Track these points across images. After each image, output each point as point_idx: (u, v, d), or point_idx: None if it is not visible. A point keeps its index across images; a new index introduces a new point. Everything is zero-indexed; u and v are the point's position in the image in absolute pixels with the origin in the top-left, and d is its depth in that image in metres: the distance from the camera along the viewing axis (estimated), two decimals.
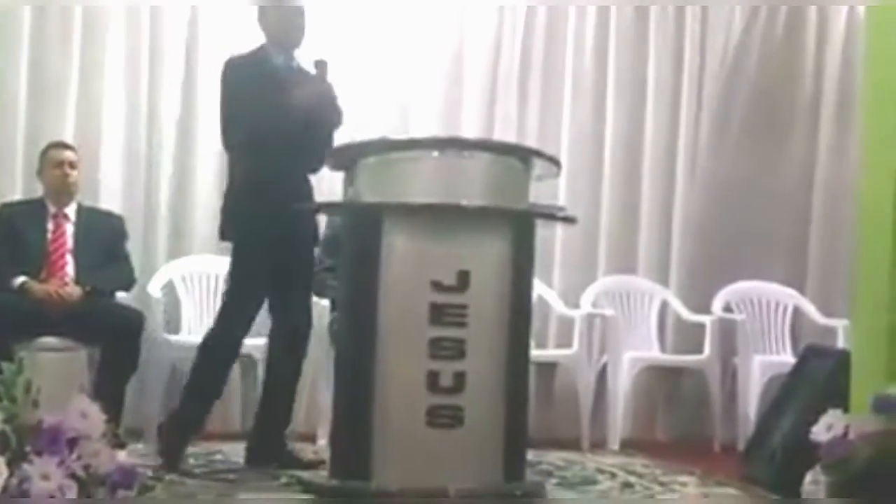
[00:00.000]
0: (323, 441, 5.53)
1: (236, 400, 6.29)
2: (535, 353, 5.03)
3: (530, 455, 4.52)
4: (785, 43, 6.91)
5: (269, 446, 5.00)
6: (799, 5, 6.91)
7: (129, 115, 6.30)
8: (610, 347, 6.35)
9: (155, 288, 6.03)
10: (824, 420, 3.76)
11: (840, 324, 6.32)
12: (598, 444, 6.11)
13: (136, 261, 5.91)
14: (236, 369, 6.25)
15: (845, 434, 3.66)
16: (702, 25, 6.85)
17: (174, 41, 6.38)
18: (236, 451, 5.26)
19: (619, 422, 6.24)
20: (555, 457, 5.53)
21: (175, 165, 6.36)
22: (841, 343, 6.17)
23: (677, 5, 6.83)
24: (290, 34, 4.99)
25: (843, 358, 4.42)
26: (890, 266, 3.96)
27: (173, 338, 5.99)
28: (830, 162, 6.86)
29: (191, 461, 4.97)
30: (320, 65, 4.86)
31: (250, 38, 6.29)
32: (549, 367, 6.36)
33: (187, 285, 6.24)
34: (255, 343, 5.99)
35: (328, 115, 4.86)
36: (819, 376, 4.91)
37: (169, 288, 6.16)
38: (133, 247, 5.97)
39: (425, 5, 6.59)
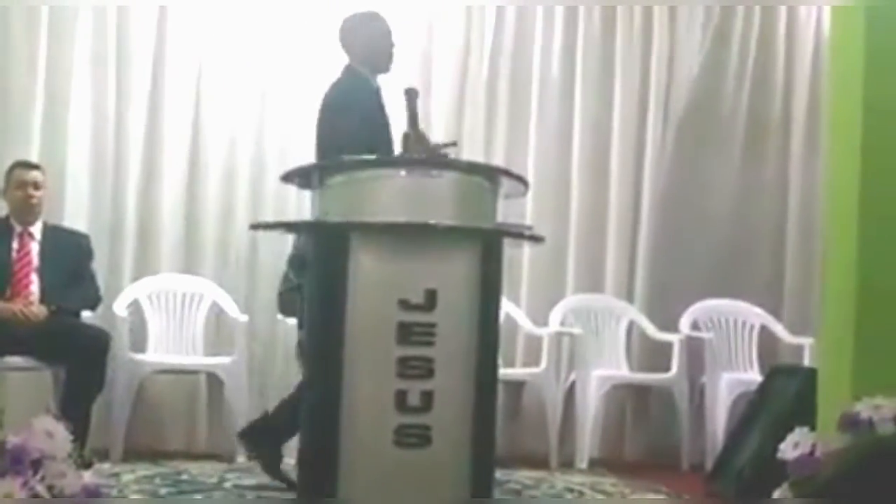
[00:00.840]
0: (291, 461, 5.50)
1: (201, 419, 6.27)
2: (503, 371, 5.03)
3: (498, 474, 4.52)
4: (753, 58, 6.94)
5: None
6: (769, 21, 6.94)
7: (96, 133, 6.26)
8: (578, 366, 6.36)
9: (121, 307, 5.99)
10: (791, 438, 3.76)
11: (807, 342, 6.35)
12: (567, 463, 6.11)
13: (101, 279, 5.89)
14: (202, 389, 6.25)
15: (812, 452, 3.67)
16: (670, 43, 6.87)
17: (141, 55, 6.34)
18: (203, 471, 5.24)
19: (587, 440, 6.24)
20: (523, 475, 5.53)
21: (142, 184, 6.33)
22: (807, 361, 6.20)
23: (646, 19, 6.86)
24: (383, 58, 4.97)
25: (810, 376, 4.43)
26: (856, 284, 3.97)
27: (139, 357, 5.96)
28: (801, 180, 6.90)
29: (156, 481, 4.94)
30: (410, 93, 4.83)
31: (221, 44, 6.36)
32: (517, 386, 6.36)
33: (153, 304, 6.20)
34: (221, 362, 5.99)
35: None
36: (786, 394, 4.94)
37: (135, 307, 6.12)
38: (99, 265, 5.94)
39: (392, 22, 6.58)
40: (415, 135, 4.59)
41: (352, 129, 4.67)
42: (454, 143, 4.92)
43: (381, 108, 4.88)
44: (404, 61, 6.54)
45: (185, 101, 6.37)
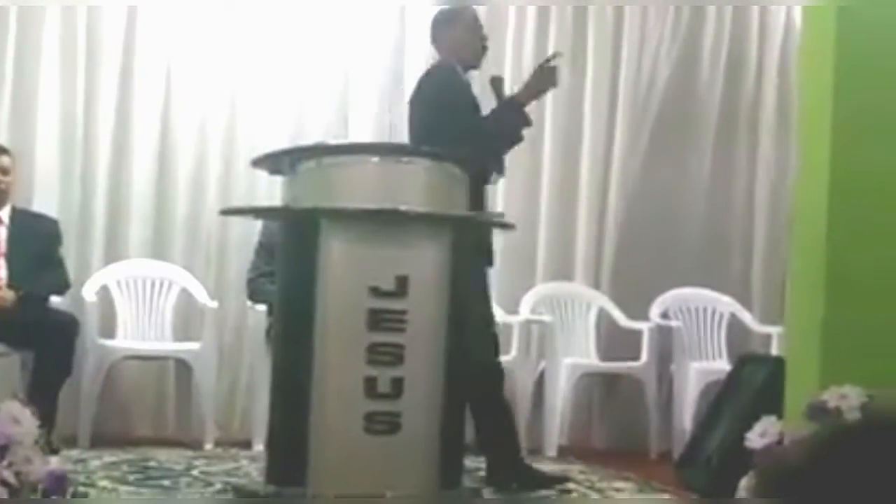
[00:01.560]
0: (259, 447, 5.50)
1: (170, 405, 6.25)
2: None
3: (468, 461, 4.52)
4: (726, 52, 6.96)
5: (509, 465, 4.86)
6: (739, 19, 6.97)
7: (65, 117, 6.21)
8: (548, 354, 6.37)
9: (90, 292, 5.95)
10: (758, 426, 3.79)
11: (775, 331, 6.38)
12: (536, 451, 6.12)
13: (70, 265, 5.86)
14: (170, 375, 6.23)
15: (780, 440, 3.70)
16: (640, 32, 6.88)
17: (111, 41, 6.30)
18: (171, 458, 5.22)
19: (556, 428, 6.25)
20: None
21: (112, 168, 6.28)
22: (776, 350, 6.23)
23: (617, 12, 6.86)
24: (473, 53, 4.94)
25: (778, 365, 4.46)
26: (824, 274, 4.00)
27: (108, 342, 5.93)
28: (770, 172, 6.93)
29: (124, 468, 4.93)
30: (496, 81, 4.78)
31: (192, 29, 6.33)
32: None
33: (123, 290, 6.17)
34: (189, 348, 5.98)
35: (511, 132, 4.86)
36: (754, 383, 4.96)
37: (104, 292, 6.09)
38: (68, 250, 5.91)
39: (365, 15, 6.57)
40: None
41: (444, 124, 4.64)
42: (557, 55, 4.95)
43: (473, 102, 4.84)
44: (376, 55, 6.57)
45: (156, 88, 6.33)
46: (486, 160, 4.63)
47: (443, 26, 4.99)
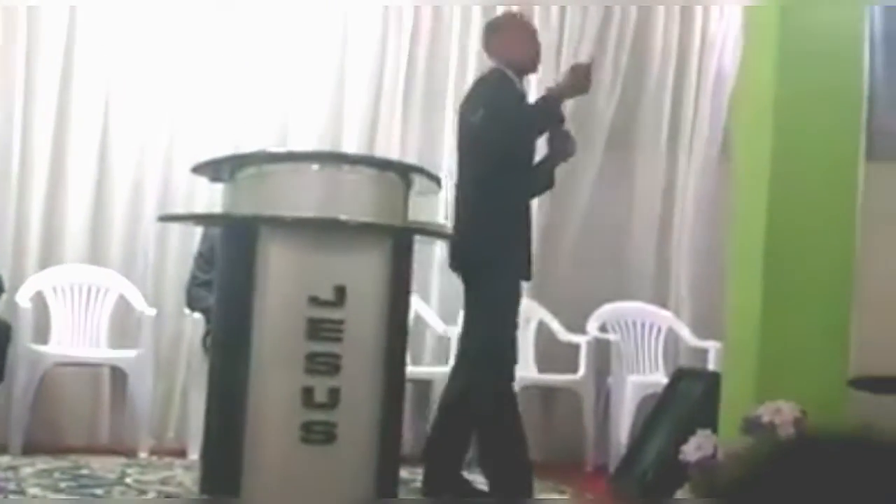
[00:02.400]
0: (194, 456, 5.45)
1: (104, 413, 6.18)
2: (412, 369, 5.02)
3: (405, 472, 4.51)
4: (654, 58, 7.00)
5: (445, 474, 4.85)
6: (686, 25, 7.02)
7: (1, 119, 6.14)
8: None
9: (24, 297, 5.88)
10: (694, 440, 3.82)
11: (712, 345, 6.42)
12: (474, 461, 6.10)
13: (5, 270, 5.79)
14: (105, 382, 6.16)
15: (714, 454, 3.72)
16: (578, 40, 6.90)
17: (50, 44, 6.23)
18: (105, 466, 5.16)
19: None
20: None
21: (49, 172, 6.21)
22: (712, 365, 6.27)
23: (560, 21, 6.88)
24: (527, 60, 4.89)
25: (714, 379, 4.49)
26: (761, 288, 4.03)
27: (42, 349, 5.86)
28: (704, 183, 6.98)
29: (56, 475, 4.87)
30: (550, 93, 4.77)
31: (129, 44, 6.28)
32: (425, 385, 6.35)
33: (58, 295, 6.10)
34: (125, 355, 5.92)
35: (563, 144, 4.87)
36: (690, 397, 4.99)
37: (39, 298, 6.02)
38: (2, 255, 5.84)
39: (308, 20, 6.55)
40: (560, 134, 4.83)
41: (495, 133, 4.63)
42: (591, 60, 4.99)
43: (523, 107, 4.82)
44: (319, 63, 6.55)
45: (95, 91, 6.27)
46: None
47: (493, 33, 4.99)
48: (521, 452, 4.75)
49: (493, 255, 4.72)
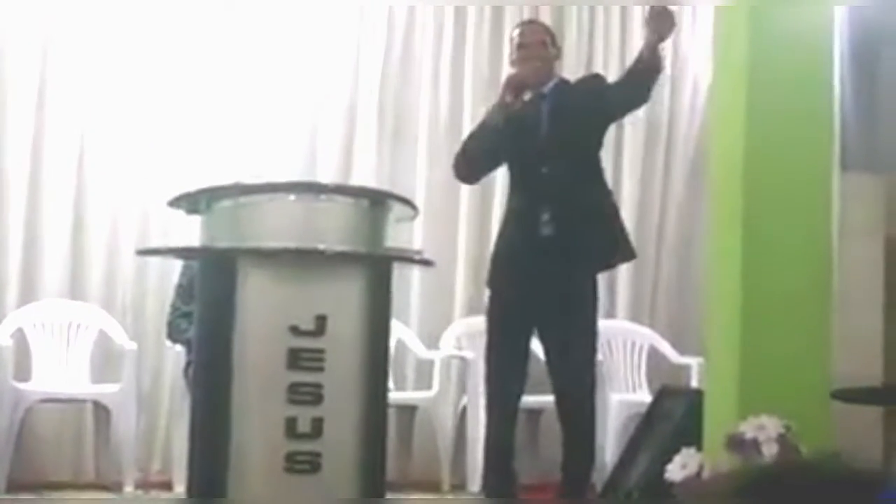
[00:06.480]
0: (180, 489, 5.43)
1: (88, 449, 6.15)
2: (395, 395, 5.02)
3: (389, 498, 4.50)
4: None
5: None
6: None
7: None
8: (470, 389, 6.36)
9: (4, 335, 5.86)
10: (678, 459, 3.82)
11: (694, 362, 6.42)
12: (459, 486, 6.10)
13: None
14: (88, 418, 6.14)
15: (699, 473, 3.72)
16: None
17: (24, 76, 6.22)
18: (90, 502, 5.14)
19: (479, 463, 6.22)
20: (415, 499, 5.51)
21: (27, 206, 6.20)
22: (695, 382, 6.27)
23: None
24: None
25: (697, 397, 4.49)
26: (741, 304, 4.03)
27: (23, 386, 5.83)
28: (681, 197, 7.01)
29: None
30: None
31: (105, 77, 6.28)
32: (408, 410, 6.34)
33: (39, 331, 6.08)
34: (108, 390, 5.91)
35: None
36: (674, 415, 4.98)
37: (19, 334, 6.00)
38: None
39: (280, 52, 6.56)
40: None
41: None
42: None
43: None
44: (291, 91, 6.55)
45: (71, 126, 6.27)
46: None
47: None
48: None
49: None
